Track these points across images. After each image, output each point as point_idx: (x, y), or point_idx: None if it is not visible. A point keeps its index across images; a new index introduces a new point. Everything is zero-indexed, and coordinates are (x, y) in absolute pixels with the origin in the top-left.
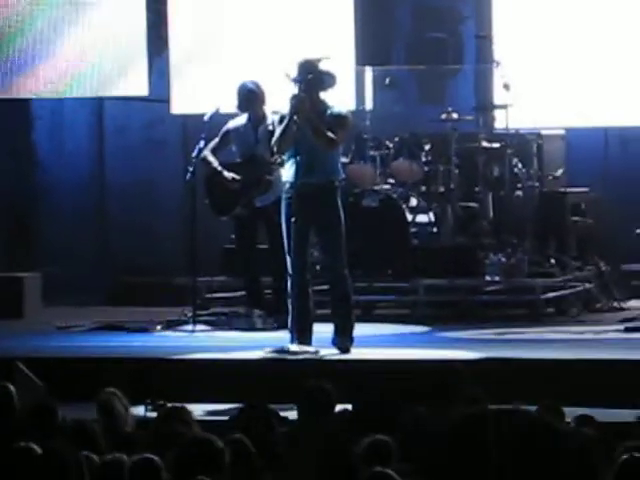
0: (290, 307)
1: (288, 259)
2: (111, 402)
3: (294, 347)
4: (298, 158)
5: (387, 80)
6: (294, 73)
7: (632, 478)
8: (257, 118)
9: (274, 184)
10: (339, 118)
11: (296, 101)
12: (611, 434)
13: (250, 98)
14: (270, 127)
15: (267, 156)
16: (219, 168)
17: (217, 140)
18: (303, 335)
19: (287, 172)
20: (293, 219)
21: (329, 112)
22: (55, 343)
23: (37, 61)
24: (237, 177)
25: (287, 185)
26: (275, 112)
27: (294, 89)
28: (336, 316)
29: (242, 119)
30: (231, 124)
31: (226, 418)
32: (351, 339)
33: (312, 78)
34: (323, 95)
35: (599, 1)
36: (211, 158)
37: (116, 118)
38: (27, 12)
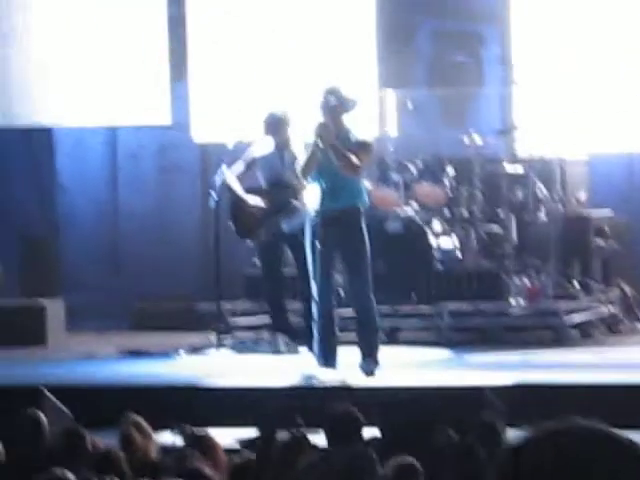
0: (315, 332)
1: (313, 285)
2: (131, 431)
3: (320, 372)
4: (322, 184)
5: (409, 104)
6: (318, 99)
7: None
8: (283, 142)
9: (300, 209)
10: (362, 144)
11: (320, 127)
12: None
13: (277, 122)
14: (296, 152)
15: (294, 180)
16: (243, 195)
17: (242, 167)
18: (328, 359)
19: (311, 198)
20: (318, 245)
21: (352, 138)
22: (80, 370)
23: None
24: (261, 204)
25: (312, 211)
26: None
27: (318, 115)
28: (361, 340)
29: (268, 144)
30: (256, 150)
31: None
32: (376, 363)
33: (335, 104)
34: (346, 119)
35: (623, 25)
36: (235, 185)
37: (131, 145)
38: None
